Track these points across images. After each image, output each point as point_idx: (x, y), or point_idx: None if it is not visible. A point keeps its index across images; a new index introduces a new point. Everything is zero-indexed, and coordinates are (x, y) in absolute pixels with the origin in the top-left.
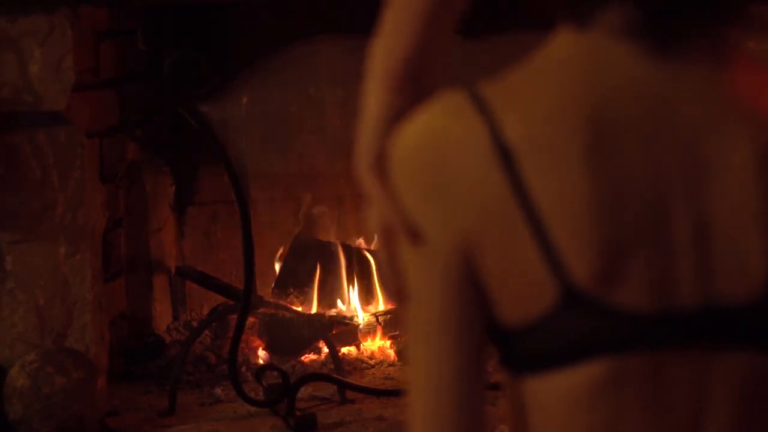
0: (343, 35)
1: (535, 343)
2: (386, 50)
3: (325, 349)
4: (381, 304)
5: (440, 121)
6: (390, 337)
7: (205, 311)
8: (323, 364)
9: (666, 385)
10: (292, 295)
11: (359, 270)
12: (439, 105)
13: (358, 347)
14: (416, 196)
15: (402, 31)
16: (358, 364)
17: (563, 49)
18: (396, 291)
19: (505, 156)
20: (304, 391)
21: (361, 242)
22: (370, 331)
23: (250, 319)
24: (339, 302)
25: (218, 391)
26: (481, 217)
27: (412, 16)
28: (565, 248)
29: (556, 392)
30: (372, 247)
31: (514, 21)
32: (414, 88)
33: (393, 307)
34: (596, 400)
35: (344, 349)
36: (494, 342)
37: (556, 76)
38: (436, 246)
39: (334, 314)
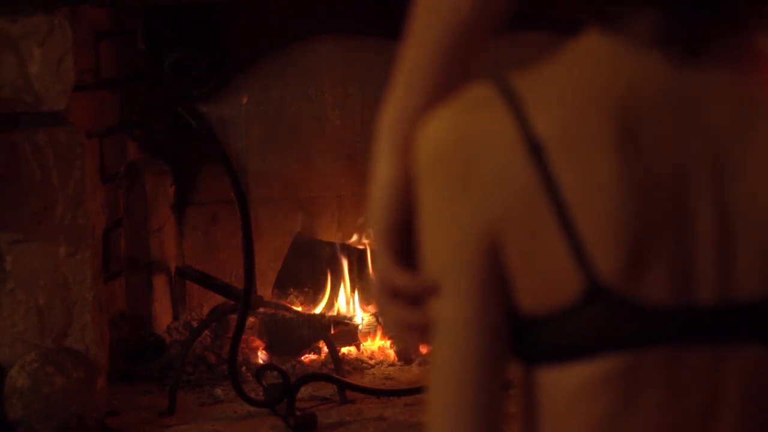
0: (343, 35)
1: (553, 333)
2: (397, 113)
3: (325, 349)
4: None
5: (469, 113)
6: (390, 337)
7: (205, 311)
8: (323, 364)
9: (678, 379)
10: (292, 295)
11: (359, 270)
12: (468, 97)
13: (358, 347)
14: (442, 187)
15: (415, 92)
16: (358, 364)
17: (591, 49)
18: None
19: (535, 149)
20: (304, 391)
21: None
22: (370, 331)
23: (250, 319)
24: (339, 302)
25: (218, 391)
26: (508, 209)
27: (428, 69)
28: (592, 242)
29: (569, 383)
30: (372, 247)
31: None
32: None
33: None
34: (609, 392)
35: (344, 349)
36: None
37: (584, 72)
38: (462, 238)
39: (334, 314)
